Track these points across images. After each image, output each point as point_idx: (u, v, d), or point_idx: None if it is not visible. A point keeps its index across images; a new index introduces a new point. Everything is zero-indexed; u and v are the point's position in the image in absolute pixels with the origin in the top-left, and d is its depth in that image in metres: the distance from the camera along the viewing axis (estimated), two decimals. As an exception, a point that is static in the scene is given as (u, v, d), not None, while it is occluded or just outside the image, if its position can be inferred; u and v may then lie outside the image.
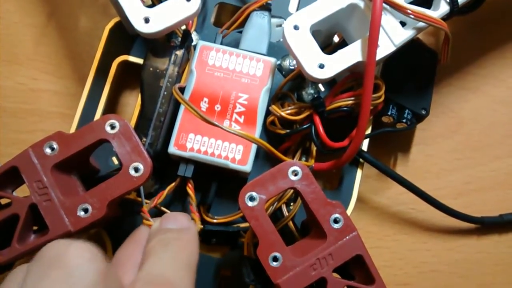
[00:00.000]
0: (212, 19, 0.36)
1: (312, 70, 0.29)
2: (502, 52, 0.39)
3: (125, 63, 0.34)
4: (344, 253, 0.26)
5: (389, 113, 0.33)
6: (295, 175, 0.27)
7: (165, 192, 0.30)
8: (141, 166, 0.26)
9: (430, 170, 0.37)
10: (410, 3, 0.31)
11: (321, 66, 0.29)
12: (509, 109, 0.38)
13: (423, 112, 0.34)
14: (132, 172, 0.26)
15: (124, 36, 0.34)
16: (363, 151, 0.33)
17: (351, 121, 0.31)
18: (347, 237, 0.26)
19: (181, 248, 0.25)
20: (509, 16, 0.39)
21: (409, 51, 0.33)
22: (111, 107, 0.35)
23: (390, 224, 0.36)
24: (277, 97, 0.33)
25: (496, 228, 0.36)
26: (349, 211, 0.33)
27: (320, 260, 0.26)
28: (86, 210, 0.26)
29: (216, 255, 0.33)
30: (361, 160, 0.33)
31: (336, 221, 0.26)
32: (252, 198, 0.26)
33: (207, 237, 0.31)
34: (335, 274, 0.27)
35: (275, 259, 0.26)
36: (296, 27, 0.29)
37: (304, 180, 0.27)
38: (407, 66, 0.35)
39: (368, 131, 0.34)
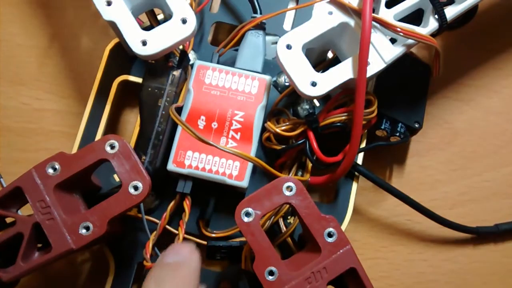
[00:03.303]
0: (210, 38, 0.37)
1: (304, 88, 0.30)
2: (494, 64, 0.40)
3: (125, 82, 0.35)
4: (338, 267, 0.27)
5: (383, 127, 0.34)
6: (290, 190, 0.28)
7: (167, 213, 0.31)
8: (140, 185, 0.27)
9: (425, 181, 0.37)
10: (401, 19, 0.32)
11: (314, 84, 0.30)
12: (503, 119, 0.38)
13: (416, 125, 0.35)
14: (131, 190, 0.27)
15: (124, 56, 0.35)
16: (358, 164, 0.34)
17: (345, 136, 0.32)
18: (341, 251, 0.27)
19: (174, 286, 0.25)
20: (500, 29, 0.40)
21: (402, 65, 0.33)
22: (112, 126, 0.36)
23: (386, 236, 0.36)
24: (273, 113, 0.34)
25: (491, 237, 0.36)
26: (345, 223, 0.33)
27: (315, 273, 0.27)
28: (87, 228, 0.27)
29: (216, 269, 0.34)
30: (356, 173, 0.34)
31: (330, 235, 0.27)
32: (248, 214, 0.27)
33: (211, 253, 0.32)
34: (330, 287, 0.27)
35: (271, 273, 0.26)
36: (288, 47, 0.30)
37: (298, 196, 0.28)
38: (401, 80, 0.36)
39: (363, 145, 0.35)
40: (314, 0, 0.32)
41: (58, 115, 0.37)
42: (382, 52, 0.30)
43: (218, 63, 0.34)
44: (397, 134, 0.34)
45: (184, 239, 0.31)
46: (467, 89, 0.39)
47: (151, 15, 0.34)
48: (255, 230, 0.27)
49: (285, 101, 0.35)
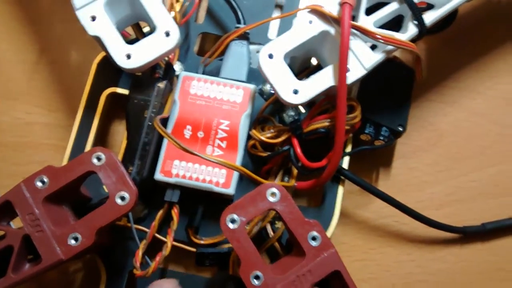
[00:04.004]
0: (196, 49, 0.38)
1: (286, 96, 0.30)
2: (477, 66, 0.40)
3: (113, 94, 0.36)
4: (322, 269, 0.27)
5: (367, 132, 0.35)
6: (274, 196, 0.28)
7: (156, 221, 0.32)
8: (126, 195, 0.28)
9: (412, 183, 0.38)
10: (382, 26, 0.33)
11: (296, 92, 0.31)
12: (487, 120, 0.39)
13: (400, 128, 0.35)
14: (118, 200, 0.28)
15: (111, 68, 0.35)
16: (343, 168, 0.34)
17: (330, 141, 0.32)
18: (325, 254, 0.28)
19: None
20: (482, 31, 0.41)
21: (386, 70, 0.34)
22: (102, 137, 0.37)
23: (375, 238, 0.37)
24: (259, 120, 0.35)
25: (478, 237, 0.37)
26: (332, 226, 0.34)
27: (299, 277, 0.27)
28: (76, 239, 0.27)
29: (206, 275, 0.34)
30: (342, 177, 0.35)
31: (314, 239, 0.28)
32: (233, 221, 0.28)
33: (200, 259, 0.33)
34: (316, 289, 0.28)
35: (256, 277, 0.27)
36: (270, 56, 0.31)
37: (282, 201, 0.28)
38: (384, 85, 0.36)
39: (349, 149, 0.35)
40: (296, 9, 0.33)
41: (48, 128, 0.38)
42: (362, 59, 0.31)
43: (203, 73, 0.35)
44: (381, 138, 0.35)
45: (173, 249, 0.32)
46: (450, 91, 0.40)
47: (137, 28, 0.35)
48: (240, 236, 0.27)
49: (271, 108, 0.36)
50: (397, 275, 0.36)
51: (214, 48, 0.35)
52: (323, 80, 0.31)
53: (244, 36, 0.35)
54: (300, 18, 0.32)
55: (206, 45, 0.39)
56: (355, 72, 0.31)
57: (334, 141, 0.31)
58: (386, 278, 0.36)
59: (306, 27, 0.32)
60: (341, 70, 0.30)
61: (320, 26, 0.32)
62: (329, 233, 0.34)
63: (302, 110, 0.36)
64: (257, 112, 0.35)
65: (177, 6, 0.35)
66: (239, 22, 0.36)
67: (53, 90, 0.38)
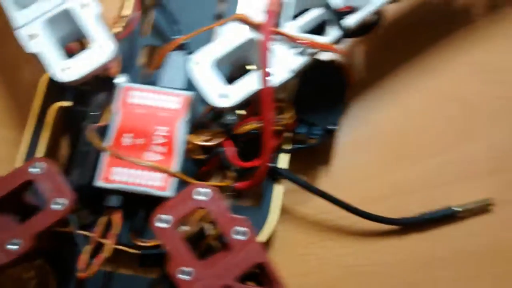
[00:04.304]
0: (140, 60, 0.40)
1: (213, 100, 0.32)
2: (414, 63, 0.42)
3: (61, 108, 0.37)
4: (246, 262, 0.29)
5: (299, 131, 0.37)
6: (201, 195, 0.30)
7: (100, 227, 0.34)
8: (62, 201, 0.29)
9: (353, 178, 0.39)
10: (311, 30, 0.35)
11: (224, 96, 0.32)
12: (423, 116, 0.41)
13: (333, 126, 0.37)
14: (54, 206, 0.29)
15: (58, 83, 0.37)
16: (277, 168, 0.36)
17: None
18: (249, 248, 0.29)
19: None
20: (418, 30, 0.42)
21: (322, 71, 0.37)
22: (52, 151, 0.38)
23: (315, 232, 0.38)
24: (198, 125, 0.36)
25: (416, 227, 0.38)
26: (270, 223, 0.35)
27: (226, 270, 0.29)
28: (15, 244, 0.29)
29: (153, 275, 0.36)
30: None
31: (239, 234, 0.29)
32: (162, 220, 0.29)
33: (144, 261, 0.35)
34: (250, 283, 0.30)
35: (183, 272, 0.29)
36: (198, 63, 0.33)
37: (210, 200, 0.30)
38: (320, 86, 0.38)
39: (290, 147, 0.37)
40: (224, 19, 0.35)
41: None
42: (287, 63, 0.33)
43: (144, 83, 0.37)
44: (315, 136, 0.37)
45: (121, 252, 0.34)
46: (388, 89, 0.41)
47: (80, 44, 0.37)
48: (169, 235, 0.29)
49: (212, 113, 0.37)
50: (337, 268, 0.37)
51: (154, 59, 0.37)
52: (249, 84, 0.33)
53: (181, 46, 0.37)
54: (227, 27, 0.34)
55: (149, 57, 0.41)
56: (280, 75, 0.33)
57: (262, 141, 0.33)
58: (327, 271, 0.37)
59: (233, 36, 0.34)
60: (263, 74, 0.31)
61: (247, 34, 0.34)
62: (268, 229, 0.35)
63: (244, 112, 0.38)
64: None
65: (121, 21, 0.37)
66: (176, 34, 0.38)
67: (1, 106, 0.40)
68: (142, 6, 0.40)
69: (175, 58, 0.37)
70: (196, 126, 0.36)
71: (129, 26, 0.38)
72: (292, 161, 0.37)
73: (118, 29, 0.38)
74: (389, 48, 0.42)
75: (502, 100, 0.41)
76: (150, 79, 0.38)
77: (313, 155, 0.40)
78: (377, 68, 0.42)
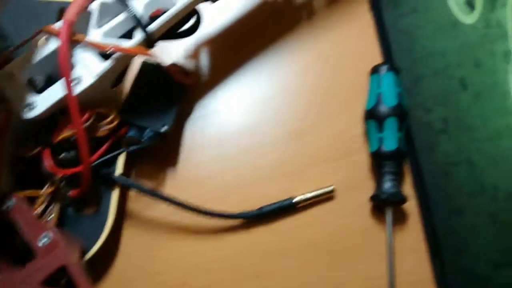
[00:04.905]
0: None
1: (22, 111, 0.33)
2: (258, 59, 0.43)
3: None
4: (49, 266, 0.29)
5: (131, 135, 0.37)
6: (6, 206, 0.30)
7: None
8: None
9: (197, 178, 0.40)
10: (123, 35, 0.36)
11: (32, 106, 0.33)
12: (269, 108, 0.42)
13: (164, 128, 0.37)
14: None
15: None
16: (112, 174, 0.36)
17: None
18: (53, 253, 0.29)
19: None
20: (260, 26, 0.44)
21: (155, 75, 0.38)
22: None
23: (162, 234, 0.39)
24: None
25: (257, 220, 0.39)
26: (107, 229, 0.36)
27: (30, 275, 0.29)
28: None
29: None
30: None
31: (43, 240, 0.30)
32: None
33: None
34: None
35: (-18, 282, 0.29)
36: (10, 75, 0.33)
37: (15, 209, 0.30)
38: (154, 89, 0.39)
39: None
40: (37, 31, 0.35)
41: None
42: (91, 68, 0.34)
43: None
44: (146, 138, 0.37)
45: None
46: (234, 85, 0.42)
47: None
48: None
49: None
50: (185, 267, 0.38)
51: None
52: (56, 92, 0.33)
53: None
54: (37, 39, 0.34)
55: None
56: (85, 81, 0.33)
57: (78, 147, 0.33)
58: (173, 271, 0.38)
59: (42, 46, 0.34)
60: (66, 80, 0.32)
61: (53, 44, 0.34)
62: (104, 234, 0.36)
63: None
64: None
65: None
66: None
67: None
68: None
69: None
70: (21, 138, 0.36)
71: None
72: (138, 167, 0.39)
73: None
74: (236, 47, 0.43)
75: (345, 86, 0.41)
76: None
77: (159, 160, 0.40)
78: (224, 67, 0.43)
